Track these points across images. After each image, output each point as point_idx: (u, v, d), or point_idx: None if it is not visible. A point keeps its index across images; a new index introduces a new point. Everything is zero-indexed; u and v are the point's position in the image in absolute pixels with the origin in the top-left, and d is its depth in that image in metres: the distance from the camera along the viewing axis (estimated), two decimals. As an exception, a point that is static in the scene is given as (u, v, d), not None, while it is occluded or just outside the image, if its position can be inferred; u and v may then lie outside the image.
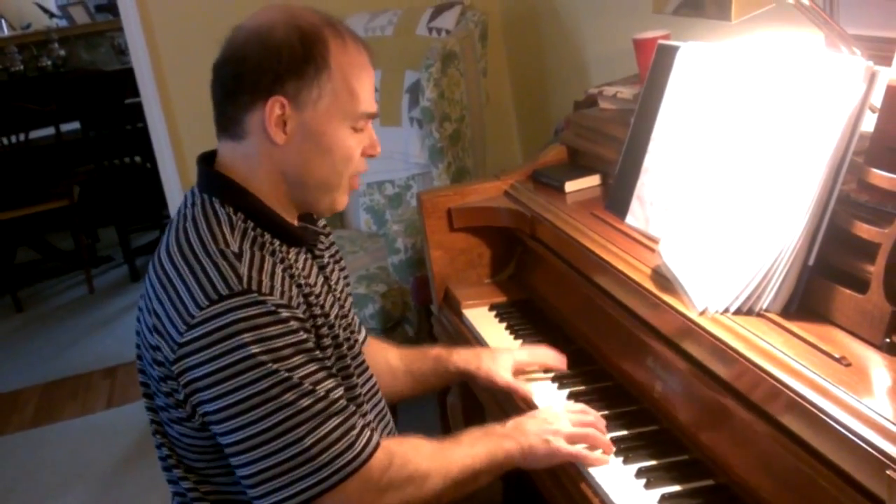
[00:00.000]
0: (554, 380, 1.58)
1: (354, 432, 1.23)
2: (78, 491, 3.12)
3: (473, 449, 1.33)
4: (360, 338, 1.51)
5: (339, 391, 1.25)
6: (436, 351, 1.65)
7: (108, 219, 5.52)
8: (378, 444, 1.25)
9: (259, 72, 1.25)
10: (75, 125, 5.22)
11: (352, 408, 1.25)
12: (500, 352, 1.63)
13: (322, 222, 1.49)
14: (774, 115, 1.30)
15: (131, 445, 3.31)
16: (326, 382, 1.22)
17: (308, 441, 1.19)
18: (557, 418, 1.38)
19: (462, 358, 1.61)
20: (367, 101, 1.31)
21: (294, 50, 1.25)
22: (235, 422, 1.18)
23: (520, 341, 1.76)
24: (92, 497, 3.07)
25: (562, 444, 1.34)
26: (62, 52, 6.60)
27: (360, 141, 1.32)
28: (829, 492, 1.01)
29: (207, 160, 1.34)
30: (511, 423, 1.39)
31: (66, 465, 3.31)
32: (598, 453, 1.33)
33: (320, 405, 1.20)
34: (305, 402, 1.19)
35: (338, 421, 1.21)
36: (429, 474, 1.28)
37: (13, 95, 5.49)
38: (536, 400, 1.53)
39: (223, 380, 1.17)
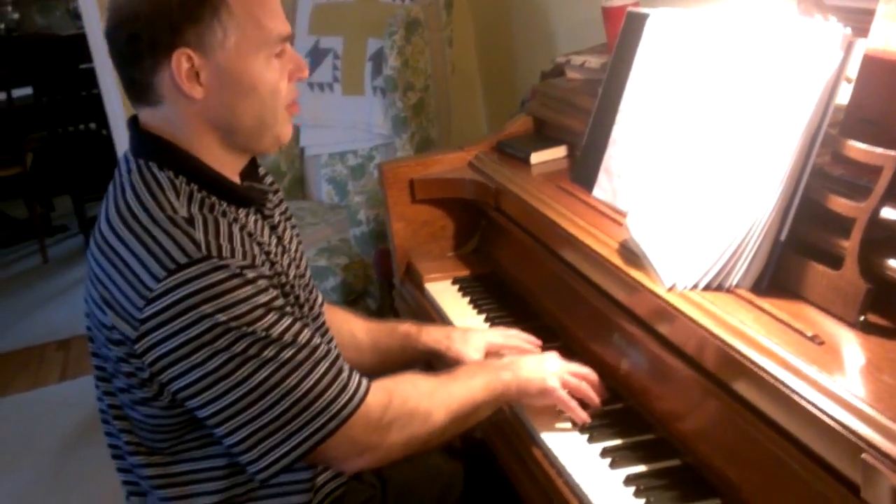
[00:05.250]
0: (518, 356, 1.54)
1: (344, 374, 1.19)
2: (29, 465, 3.04)
3: (472, 381, 1.31)
4: (320, 300, 1.46)
5: (318, 339, 1.20)
6: (405, 327, 1.58)
7: (62, 187, 5.38)
8: (370, 385, 1.22)
9: (154, 28, 1.16)
10: (27, 90, 5.07)
11: (335, 352, 1.21)
12: (472, 332, 1.56)
13: (269, 179, 1.42)
14: (747, 84, 1.26)
15: (85, 419, 3.22)
16: (304, 332, 1.17)
17: (300, 391, 1.14)
18: (554, 362, 1.37)
19: (432, 337, 1.55)
20: (277, 24, 1.22)
21: None
22: (216, 389, 1.13)
23: (483, 315, 1.72)
24: (44, 471, 3.00)
25: (556, 386, 1.33)
26: (15, 16, 6.40)
27: (283, 67, 1.24)
28: (801, 475, 0.98)
29: (138, 122, 1.27)
30: (508, 359, 1.40)
31: (18, 438, 3.23)
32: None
33: (303, 353, 1.15)
34: (288, 353, 1.14)
35: (326, 366, 1.17)
36: (430, 409, 1.25)
37: (-36, 59, 5.31)
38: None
39: (194, 350, 1.11)
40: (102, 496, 2.72)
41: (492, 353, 1.53)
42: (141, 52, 1.17)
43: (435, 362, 1.61)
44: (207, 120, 1.22)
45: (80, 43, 4.54)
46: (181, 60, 1.16)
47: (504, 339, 1.54)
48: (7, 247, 5.31)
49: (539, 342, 1.54)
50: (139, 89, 1.21)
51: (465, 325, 1.69)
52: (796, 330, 1.08)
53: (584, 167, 1.67)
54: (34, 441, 3.19)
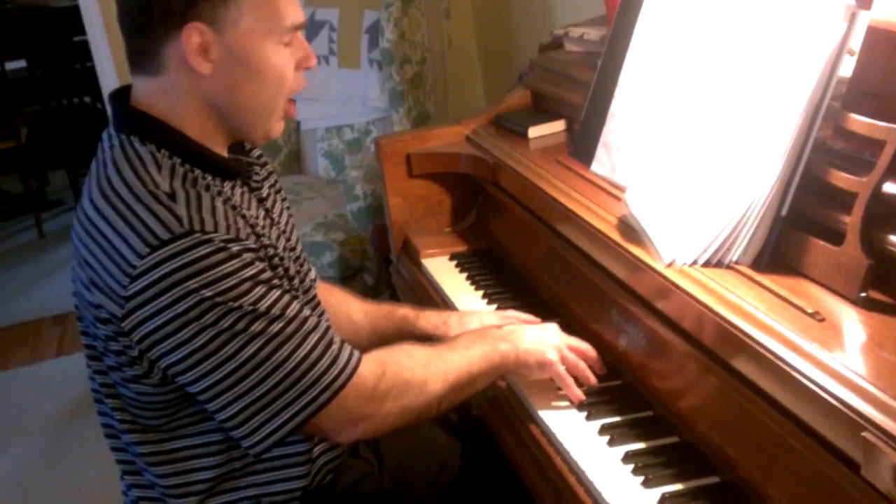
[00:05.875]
0: (515, 333, 1.52)
1: (335, 346, 1.18)
2: (27, 441, 3.04)
3: (469, 351, 1.30)
4: (312, 275, 1.44)
5: (308, 311, 1.19)
6: (402, 311, 1.56)
7: (57, 161, 5.35)
8: (361, 356, 1.21)
9: None
10: (21, 63, 5.02)
11: (325, 324, 1.20)
12: (469, 316, 1.54)
13: (257, 152, 1.40)
14: (748, 56, 1.24)
15: (82, 394, 3.22)
16: (293, 305, 1.16)
17: (290, 363, 1.13)
18: (554, 334, 1.36)
19: (430, 322, 1.53)
20: (292, 11, 1.20)
21: None
22: (205, 365, 1.12)
23: (481, 292, 1.70)
24: (41, 447, 3.00)
25: (555, 359, 1.32)
26: (8, -13, 6.33)
27: (292, 55, 1.22)
28: (801, 453, 0.97)
29: (120, 97, 1.25)
30: (508, 328, 1.38)
31: (15, 414, 3.23)
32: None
33: (292, 326, 1.14)
34: (276, 326, 1.13)
35: (316, 338, 1.16)
36: (426, 378, 1.24)
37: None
38: None
39: (181, 327, 1.10)
40: (100, 471, 2.72)
41: None
42: (152, 20, 1.15)
43: None
44: (206, 97, 1.20)
45: (73, 15, 4.50)
46: (192, 34, 1.14)
47: (501, 322, 1.50)
48: (2, 221, 5.29)
49: (538, 321, 1.51)
50: (143, 57, 1.19)
51: (462, 301, 1.68)
52: (796, 306, 1.06)
53: (582, 141, 1.65)
54: (31, 417, 3.18)
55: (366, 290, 2.75)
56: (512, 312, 1.54)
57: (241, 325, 1.11)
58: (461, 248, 1.89)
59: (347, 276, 2.71)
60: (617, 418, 1.26)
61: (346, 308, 1.56)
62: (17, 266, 4.62)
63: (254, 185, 1.31)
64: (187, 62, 1.16)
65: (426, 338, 1.51)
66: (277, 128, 1.27)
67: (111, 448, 1.32)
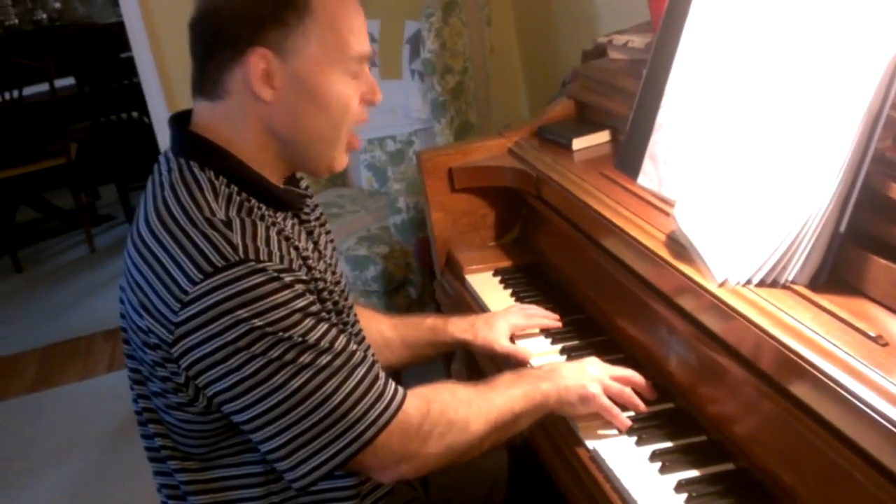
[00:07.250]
0: (562, 352, 1.49)
1: (381, 381, 1.17)
2: (78, 457, 3.07)
3: (510, 391, 1.28)
4: (354, 310, 1.43)
5: (355, 345, 1.18)
6: (430, 321, 1.58)
7: (107, 176, 5.44)
8: (406, 393, 1.19)
9: (237, 23, 1.14)
10: (70, 81, 5.11)
11: (371, 359, 1.18)
12: (496, 318, 1.57)
13: (304, 184, 1.39)
14: (803, 64, 1.19)
15: (132, 411, 3.24)
16: (341, 338, 1.15)
17: (337, 398, 1.12)
18: (595, 367, 1.34)
19: (459, 328, 1.56)
20: (359, 42, 1.21)
21: None
22: (252, 395, 1.10)
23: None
24: (93, 462, 3.03)
25: (598, 392, 1.29)
26: (57, 5, 6.47)
27: (356, 87, 1.22)
28: (864, 485, 0.92)
29: (180, 121, 1.24)
30: (547, 366, 1.37)
31: (67, 430, 3.27)
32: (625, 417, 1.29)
33: (340, 359, 1.13)
34: (325, 359, 1.12)
35: (363, 372, 1.15)
36: (469, 418, 1.22)
37: (7, 50, 5.37)
38: (534, 362, 1.49)
39: (230, 355, 1.09)
40: (152, 488, 2.73)
41: (517, 336, 1.55)
42: (220, 45, 1.16)
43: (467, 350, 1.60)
44: (269, 125, 1.20)
45: (120, 31, 4.57)
46: (258, 60, 1.15)
47: (526, 320, 1.56)
48: (54, 237, 5.39)
49: (556, 318, 1.57)
50: (207, 81, 1.19)
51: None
52: (858, 329, 1.01)
53: (628, 153, 1.61)
54: (84, 432, 3.22)
55: (410, 302, 2.72)
56: (535, 309, 1.60)
57: (290, 356, 1.10)
58: (505, 264, 1.86)
59: (391, 290, 2.69)
60: (669, 444, 1.22)
61: (376, 325, 1.57)
62: (68, 281, 4.69)
63: (303, 217, 1.31)
64: (251, 87, 1.16)
65: (458, 343, 1.56)
66: (341, 160, 1.26)
67: (154, 472, 1.31)
